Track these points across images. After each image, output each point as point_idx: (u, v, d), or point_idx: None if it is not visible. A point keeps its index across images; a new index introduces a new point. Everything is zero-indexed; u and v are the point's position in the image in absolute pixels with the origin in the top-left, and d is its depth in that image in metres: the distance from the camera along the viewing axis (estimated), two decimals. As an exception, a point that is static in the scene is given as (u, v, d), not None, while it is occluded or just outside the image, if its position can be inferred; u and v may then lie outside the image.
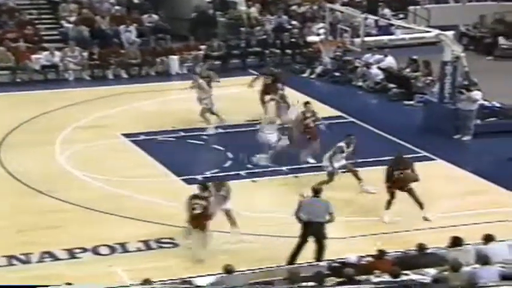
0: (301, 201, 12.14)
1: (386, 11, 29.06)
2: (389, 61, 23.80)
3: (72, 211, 14.13)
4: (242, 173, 15.93)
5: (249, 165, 16.17)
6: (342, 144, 14.87)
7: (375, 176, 14.92)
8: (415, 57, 23.14)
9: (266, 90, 19.08)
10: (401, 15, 29.54)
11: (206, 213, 12.48)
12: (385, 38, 27.29)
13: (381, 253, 11.17)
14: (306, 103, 16.67)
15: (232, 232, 13.05)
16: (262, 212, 14.01)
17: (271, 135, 16.26)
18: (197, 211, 12.43)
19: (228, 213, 13.08)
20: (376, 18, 26.74)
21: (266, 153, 16.31)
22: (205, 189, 12.83)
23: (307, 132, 16.18)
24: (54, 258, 12.45)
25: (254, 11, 27.87)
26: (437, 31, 19.75)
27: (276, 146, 16.23)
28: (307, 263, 11.55)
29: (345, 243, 12.81)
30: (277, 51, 26.05)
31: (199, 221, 12.43)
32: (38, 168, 16.13)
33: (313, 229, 11.95)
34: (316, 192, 12.28)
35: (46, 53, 23.83)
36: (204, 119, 18.43)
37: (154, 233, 13.21)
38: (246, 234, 13.12)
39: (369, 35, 26.29)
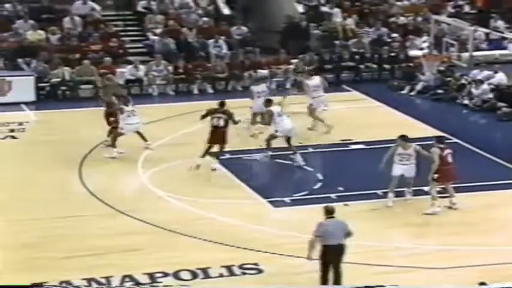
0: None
1: (500, 24, 28.61)
2: (500, 78, 23.48)
3: (153, 233, 14.55)
4: (333, 195, 16.07)
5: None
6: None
7: (483, 201, 15.02)
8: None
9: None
10: (516, 29, 29.11)
11: (226, 127, 17.39)
12: (497, 52, 26.92)
13: (482, 285, 11.06)
14: None
15: None
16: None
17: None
18: (221, 124, 17.38)
19: None
20: (487, 31, 26.43)
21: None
22: (223, 105, 17.68)
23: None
24: (135, 282, 12.74)
25: (351, 22, 28.01)
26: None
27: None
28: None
29: (445, 274, 12.71)
30: (374, 66, 26.12)
31: (220, 134, 17.33)
32: (119, 187, 16.75)
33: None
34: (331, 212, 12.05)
35: (130, 66, 24.65)
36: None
37: (237, 258, 13.42)
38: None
39: (478, 49, 26.01)
